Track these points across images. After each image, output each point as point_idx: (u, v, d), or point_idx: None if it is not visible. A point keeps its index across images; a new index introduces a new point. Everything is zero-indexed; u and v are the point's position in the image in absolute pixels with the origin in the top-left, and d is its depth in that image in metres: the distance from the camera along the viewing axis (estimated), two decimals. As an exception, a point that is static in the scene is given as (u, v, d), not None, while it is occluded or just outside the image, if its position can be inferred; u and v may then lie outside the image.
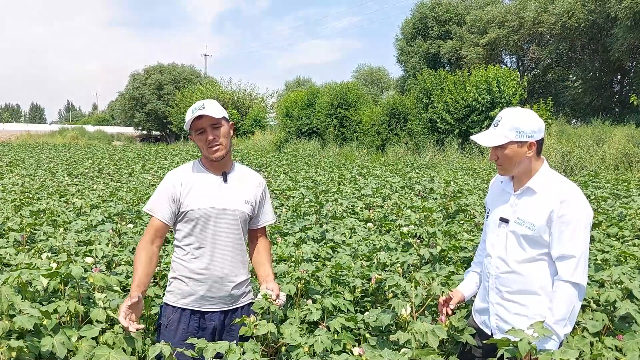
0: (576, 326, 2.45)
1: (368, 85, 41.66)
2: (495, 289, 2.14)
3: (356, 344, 2.30)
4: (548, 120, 16.81)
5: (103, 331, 2.20)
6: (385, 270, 3.25)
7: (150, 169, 14.23)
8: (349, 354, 2.09)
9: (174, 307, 2.25)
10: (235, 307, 2.31)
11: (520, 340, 1.72)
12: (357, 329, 2.51)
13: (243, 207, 2.30)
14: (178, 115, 38.58)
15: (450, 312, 2.23)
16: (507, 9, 26.21)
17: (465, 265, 3.24)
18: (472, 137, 2.21)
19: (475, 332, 2.24)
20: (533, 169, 2.07)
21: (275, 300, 2.21)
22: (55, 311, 2.16)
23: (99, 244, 3.92)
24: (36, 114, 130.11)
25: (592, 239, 3.99)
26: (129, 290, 2.95)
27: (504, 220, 2.12)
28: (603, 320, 2.44)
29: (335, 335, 2.22)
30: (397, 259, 3.22)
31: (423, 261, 3.45)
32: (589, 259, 3.14)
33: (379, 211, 5.86)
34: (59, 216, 5.53)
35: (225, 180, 2.30)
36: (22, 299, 2.13)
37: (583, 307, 2.61)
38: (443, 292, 2.20)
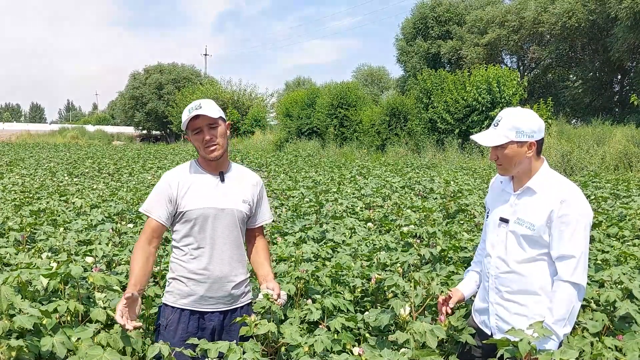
0: (576, 326, 2.45)
1: (368, 85, 41.66)
2: (495, 289, 2.14)
3: (356, 343, 2.30)
4: (548, 120, 16.81)
5: (98, 332, 2.20)
6: (385, 270, 3.25)
7: (150, 169, 14.23)
8: (348, 353, 2.09)
9: (173, 307, 2.25)
10: (234, 307, 2.31)
11: (520, 340, 1.72)
12: (357, 329, 2.51)
13: (241, 207, 2.30)
14: (178, 115, 38.59)
15: (449, 311, 2.23)
16: (507, 9, 26.20)
17: (465, 265, 3.24)
18: (472, 137, 2.21)
19: (475, 332, 2.24)
20: (533, 169, 2.07)
21: (276, 300, 2.21)
22: (55, 311, 2.16)
23: (99, 243, 3.92)
24: (36, 114, 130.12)
25: (592, 239, 3.99)
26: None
27: (504, 220, 2.12)
28: (603, 320, 2.44)
29: (335, 335, 2.22)
30: (397, 259, 3.22)
31: (423, 261, 3.45)
32: (589, 259, 3.14)
33: (379, 211, 5.85)
34: (59, 216, 5.53)
35: (222, 180, 2.30)
36: (22, 298, 2.13)
37: (583, 307, 2.62)
38: (442, 291, 2.20)
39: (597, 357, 2.08)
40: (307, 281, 2.80)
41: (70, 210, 6.20)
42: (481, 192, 7.51)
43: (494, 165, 2.19)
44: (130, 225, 4.86)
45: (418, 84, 21.35)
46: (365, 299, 3.03)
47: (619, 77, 24.58)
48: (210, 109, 2.22)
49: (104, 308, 2.41)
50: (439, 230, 4.03)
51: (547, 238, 1.99)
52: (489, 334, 2.17)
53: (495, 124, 2.07)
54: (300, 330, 2.30)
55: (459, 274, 2.93)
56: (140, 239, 2.26)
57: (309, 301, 2.61)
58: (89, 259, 3.13)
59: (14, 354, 1.86)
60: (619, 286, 2.70)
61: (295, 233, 4.28)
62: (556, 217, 1.95)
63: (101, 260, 3.46)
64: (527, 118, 2.03)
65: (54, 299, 2.39)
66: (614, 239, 4.18)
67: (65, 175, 12.38)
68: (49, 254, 3.49)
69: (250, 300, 2.40)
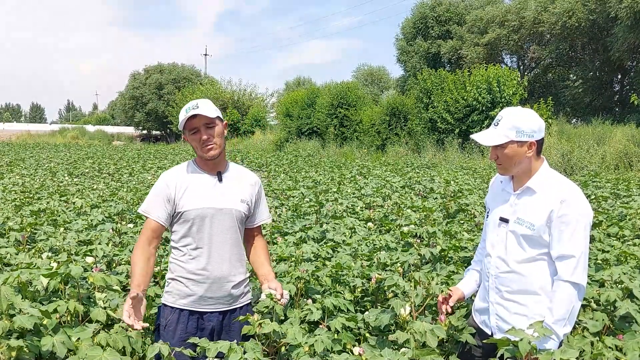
0: (576, 326, 2.45)
1: (368, 85, 41.64)
2: (495, 289, 2.14)
3: (356, 343, 2.30)
4: (548, 120, 16.81)
5: (97, 332, 2.20)
6: (386, 270, 3.25)
7: (150, 169, 14.23)
8: (349, 353, 2.09)
9: (172, 307, 2.25)
10: (234, 307, 2.31)
11: (521, 340, 1.72)
12: (357, 329, 2.51)
13: (239, 206, 2.30)
14: (178, 115, 38.43)
15: (449, 310, 2.22)
16: (507, 9, 26.19)
17: (466, 265, 3.24)
18: (472, 136, 2.21)
19: (475, 331, 2.24)
20: (533, 168, 2.07)
21: (279, 300, 2.21)
22: (55, 311, 2.16)
23: (99, 243, 3.92)
24: (36, 114, 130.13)
25: (592, 239, 3.99)
26: (129, 289, 2.96)
27: (504, 220, 2.12)
28: (603, 320, 2.44)
29: (336, 335, 2.22)
30: (398, 258, 3.22)
31: (423, 261, 3.45)
32: (589, 258, 3.13)
33: (379, 211, 5.85)
34: (59, 216, 5.53)
35: (220, 179, 2.30)
36: (22, 298, 2.13)
37: (583, 307, 2.61)
38: (442, 291, 2.20)
39: (597, 357, 2.08)
40: (307, 281, 2.80)
41: (70, 211, 6.20)
42: (481, 192, 7.51)
43: (494, 164, 2.18)
44: (131, 225, 4.86)
45: (418, 84, 21.34)
46: (366, 298, 3.03)
47: (619, 76, 24.57)
48: (207, 108, 2.21)
49: (104, 308, 2.41)
50: (439, 230, 4.03)
51: (547, 238, 1.99)
52: (489, 333, 2.17)
53: (496, 124, 2.07)
54: (302, 330, 2.30)
55: (459, 273, 2.93)
56: (140, 239, 2.25)
57: (309, 301, 2.61)
58: (89, 259, 3.13)
59: (14, 354, 1.86)
60: (619, 286, 2.70)
61: (295, 233, 4.28)
62: (556, 217, 1.95)
63: (101, 260, 3.46)
64: (527, 118, 2.03)
65: (54, 299, 2.39)
66: (614, 239, 4.18)
67: (66, 175, 12.38)
68: (49, 254, 3.49)
69: (249, 301, 2.40)
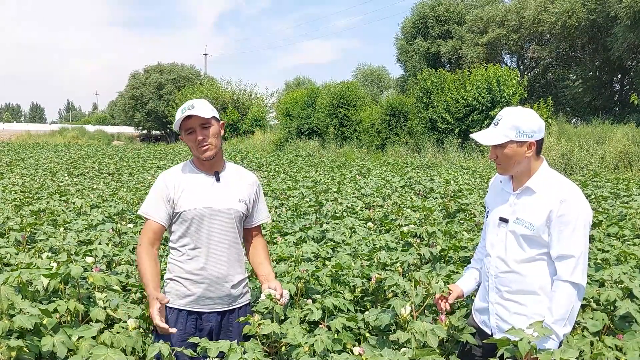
0: (576, 325, 2.45)
1: (368, 85, 41.61)
2: (495, 289, 2.14)
3: (356, 343, 2.30)
4: (548, 120, 16.80)
5: (101, 331, 2.20)
6: (386, 270, 3.25)
7: (150, 169, 14.23)
8: (349, 353, 2.09)
9: (170, 308, 2.24)
10: (232, 307, 2.31)
11: (520, 339, 1.72)
12: (358, 329, 2.51)
13: (237, 206, 2.30)
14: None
15: (448, 307, 2.22)
16: (507, 9, 26.19)
17: (465, 264, 3.23)
18: (472, 135, 2.21)
19: (476, 331, 2.24)
20: (532, 168, 2.07)
21: (279, 300, 2.21)
22: (55, 310, 2.16)
23: (99, 243, 3.92)
24: (36, 114, 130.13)
25: (592, 239, 3.99)
26: (129, 289, 2.96)
27: (504, 220, 2.12)
28: (603, 319, 2.44)
29: (336, 335, 2.22)
30: (397, 258, 3.22)
31: (423, 261, 3.45)
32: (589, 258, 3.13)
33: (379, 211, 5.85)
34: (59, 216, 5.53)
35: (217, 179, 2.30)
36: (22, 298, 2.14)
37: (583, 307, 2.61)
38: (443, 291, 2.20)
39: (597, 357, 2.08)
40: (307, 281, 2.80)
41: (70, 210, 6.20)
42: (481, 192, 7.51)
43: (494, 164, 2.18)
44: (131, 225, 4.86)
45: (418, 84, 21.33)
46: (366, 298, 3.03)
47: (619, 76, 24.57)
48: (202, 109, 2.21)
49: (104, 308, 2.41)
50: (439, 229, 4.03)
51: (546, 238, 1.99)
52: (489, 333, 2.17)
53: (496, 123, 2.07)
54: (302, 330, 2.30)
55: (459, 273, 2.92)
56: (142, 242, 2.24)
57: (309, 301, 2.61)
58: (89, 259, 3.13)
59: (14, 354, 1.86)
60: (619, 285, 2.70)
61: (295, 233, 4.28)
62: (555, 217, 1.95)
63: (101, 260, 3.46)
64: (527, 118, 2.02)
65: (54, 299, 2.39)
66: (614, 239, 4.18)
67: (66, 175, 12.38)
68: (49, 254, 3.49)
69: (248, 301, 2.40)
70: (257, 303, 2.27)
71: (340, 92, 24.08)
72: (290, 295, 2.67)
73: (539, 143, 2.05)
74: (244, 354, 1.91)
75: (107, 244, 3.98)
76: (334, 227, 4.76)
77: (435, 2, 30.74)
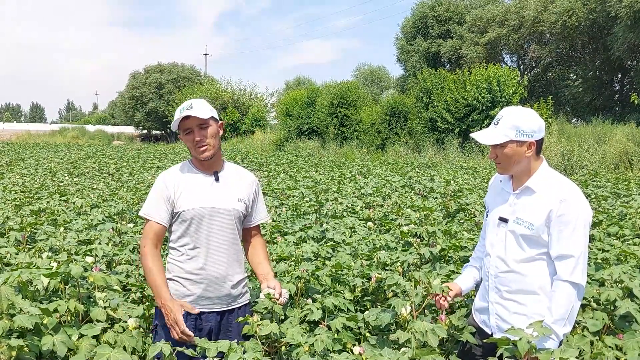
0: (576, 325, 2.45)
1: (368, 85, 41.61)
2: (495, 289, 2.14)
3: (356, 343, 2.30)
4: (548, 119, 16.79)
5: (104, 330, 2.20)
6: (386, 270, 3.25)
7: (150, 169, 14.23)
8: (349, 353, 2.09)
9: None
10: (232, 307, 2.30)
11: (520, 339, 1.72)
12: (358, 328, 2.51)
13: (237, 206, 2.29)
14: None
15: (446, 305, 2.22)
16: (507, 8, 26.19)
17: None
18: (472, 135, 2.20)
19: (476, 331, 2.24)
20: (532, 168, 2.07)
21: (278, 300, 2.21)
22: (56, 310, 2.16)
23: (99, 243, 3.92)
24: (36, 114, 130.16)
25: (592, 238, 3.99)
26: (129, 289, 2.96)
27: (503, 220, 2.12)
28: (603, 319, 2.44)
29: (336, 335, 2.22)
30: (397, 258, 3.22)
31: (423, 260, 3.45)
32: (589, 258, 3.14)
33: (379, 210, 5.86)
34: (59, 215, 5.53)
35: (217, 179, 2.29)
36: (22, 298, 2.14)
37: (583, 306, 2.61)
38: (443, 290, 2.20)
39: (597, 356, 2.08)
40: (307, 280, 2.80)
41: (70, 210, 6.21)
42: (481, 191, 7.51)
43: (494, 164, 2.18)
44: (131, 225, 4.86)
45: (418, 83, 21.33)
46: (366, 298, 3.03)
47: (619, 76, 24.57)
48: (201, 109, 2.20)
49: (104, 308, 2.41)
50: (439, 229, 4.03)
51: (546, 238, 1.99)
52: (489, 333, 2.17)
53: (496, 123, 2.07)
54: (302, 330, 2.30)
55: (459, 273, 2.92)
56: (146, 245, 2.22)
57: (309, 301, 2.61)
58: (89, 259, 3.13)
59: (14, 353, 1.86)
60: (619, 285, 2.70)
61: (295, 232, 4.28)
62: (555, 217, 1.95)
63: (101, 260, 3.47)
64: (527, 117, 2.02)
65: (54, 298, 2.39)
66: (614, 238, 4.18)
67: (66, 175, 12.38)
68: (50, 254, 3.49)
69: (248, 301, 2.39)
70: (257, 303, 2.27)
71: (340, 91, 24.08)
72: (290, 295, 2.67)
73: (539, 143, 2.05)
74: (243, 353, 1.91)
75: (107, 244, 3.98)
76: (334, 227, 4.76)
77: (435, 1, 30.73)
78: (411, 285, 2.30)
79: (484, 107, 17.86)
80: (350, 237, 4.36)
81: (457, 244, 3.48)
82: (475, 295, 2.38)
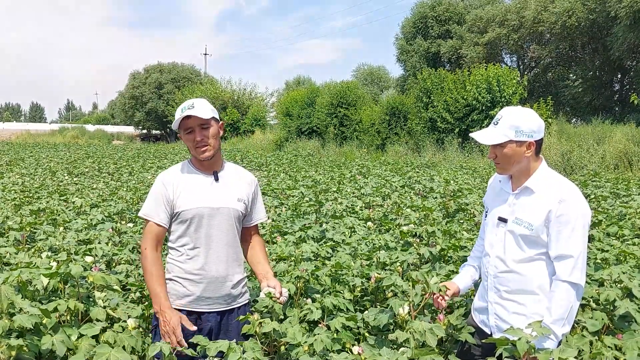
0: (576, 325, 2.45)
1: (368, 85, 41.61)
2: (494, 289, 2.14)
3: (356, 342, 2.30)
4: (548, 120, 16.80)
5: (104, 330, 2.20)
6: (385, 270, 3.25)
7: (150, 168, 14.23)
8: (348, 352, 2.09)
9: None
10: (232, 307, 2.30)
11: (519, 339, 1.72)
12: (357, 328, 2.51)
13: (236, 205, 2.29)
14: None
15: (444, 304, 2.22)
16: (507, 8, 26.20)
17: (465, 264, 3.24)
18: (472, 135, 2.21)
19: (475, 330, 2.25)
20: (531, 168, 2.07)
21: (278, 299, 2.21)
22: (55, 310, 2.16)
23: (99, 243, 3.92)
24: (36, 113, 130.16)
25: (592, 238, 3.99)
26: (128, 289, 2.96)
27: (502, 220, 2.12)
28: (603, 319, 2.44)
29: (335, 334, 2.23)
30: (397, 258, 3.22)
31: (423, 260, 3.45)
32: (589, 258, 3.14)
33: (378, 210, 5.86)
34: (58, 215, 5.53)
35: (216, 179, 2.29)
36: (22, 297, 2.14)
37: (583, 306, 2.62)
38: (440, 290, 2.20)
39: (596, 356, 2.08)
40: (306, 280, 2.80)
41: (70, 210, 6.20)
42: (481, 192, 7.51)
43: (494, 164, 2.18)
44: (130, 224, 4.86)
45: (418, 83, 21.33)
46: (365, 298, 3.03)
47: (619, 76, 24.58)
48: (202, 109, 2.20)
49: (104, 307, 2.41)
50: (439, 229, 4.03)
51: (545, 238, 1.99)
52: (489, 333, 2.17)
53: (495, 123, 2.07)
54: (301, 330, 2.30)
55: (459, 273, 2.93)
56: (147, 248, 2.21)
57: (309, 300, 2.62)
58: (89, 259, 3.13)
59: (13, 353, 1.86)
60: (619, 285, 2.70)
61: (295, 232, 4.29)
62: (554, 217, 1.95)
63: (101, 260, 3.47)
64: (527, 118, 2.03)
65: (53, 298, 2.39)
66: (614, 238, 4.18)
67: (65, 174, 12.38)
68: (49, 254, 3.49)
69: (247, 301, 2.40)
70: (257, 302, 2.27)
71: (340, 91, 24.08)
72: (290, 294, 2.67)
73: (539, 143, 2.05)
74: (243, 353, 1.91)
75: (107, 244, 3.98)
76: (333, 227, 4.76)
77: (435, 1, 30.73)
78: (409, 285, 2.30)
79: (483, 107, 17.87)
80: (349, 237, 4.37)
81: (457, 244, 3.49)
82: (473, 295, 2.38)
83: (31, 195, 8.02)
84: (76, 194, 8.17)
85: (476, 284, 2.39)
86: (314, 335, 2.14)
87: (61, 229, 4.63)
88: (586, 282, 2.13)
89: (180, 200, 2.22)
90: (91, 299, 2.44)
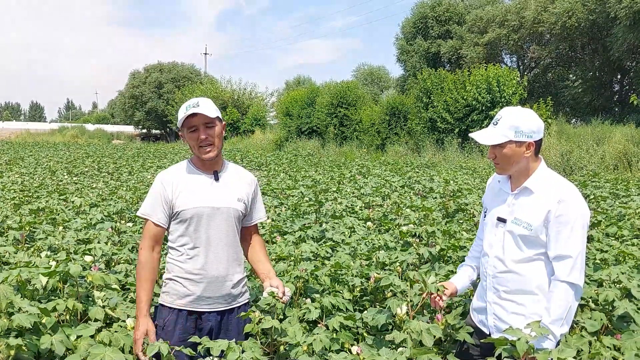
0: (575, 325, 2.46)
1: (368, 85, 41.63)
2: (493, 289, 2.14)
3: (355, 342, 2.30)
4: (548, 120, 16.81)
5: (99, 330, 2.20)
6: (385, 270, 3.25)
7: (149, 168, 14.23)
8: (347, 352, 2.09)
9: (170, 308, 2.23)
10: (232, 307, 2.30)
11: (518, 339, 1.72)
12: (356, 328, 2.51)
13: (236, 205, 2.29)
14: (178, 114, 38.43)
15: (442, 304, 2.22)
16: (507, 9, 26.21)
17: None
18: (471, 135, 2.20)
19: (473, 330, 2.25)
20: (531, 168, 2.07)
21: (281, 298, 2.21)
22: (54, 309, 2.16)
23: (98, 242, 3.92)
24: (36, 113, 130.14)
25: (591, 239, 3.99)
26: (128, 288, 2.96)
27: (501, 220, 2.12)
28: (601, 319, 2.44)
29: (334, 334, 2.23)
30: (397, 258, 3.23)
31: (422, 260, 3.45)
32: (588, 258, 3.14)
33: (378, 210, 5.86)
34: (58, 215, 5.53)
35: (216, 179, 2.29)
36: (21, 297, 2.14)
37: (581, 307, 2.62)
38: (438, 289, 2.20)
39: (595, 356, 2.08)
40: (306, 280, 2.80)
41: (69, 209, 6.20)
42: (480, 192, 7.51)
43: (493, 164, 2.18)
44: (130, 224, 4.86)
45: (418, 84, 21.34)
46: (364, 298, 3.03)
47: (619, 76, 24.60)
48: (207, 107, 2.20)
49: (103, 307, 2.41)
50: (438, 229, 4.03)
51: (544, 238, 1.99)
52: (487, 333, 2.17)
53: (495, 123, 2.07)
54: (301, 329, 2.30)
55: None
56: (143, 248, 2.22)
57: (308, 300, 2.62)
58: (88, 258, 3.13)
59: (12, 352, 1.86)
60: (618, 285, 2.71)
61: (294, 232, 4.29)
62: (553, 217, 1.95)
63: (100, 259, 3.46)
64: (526, 118, 2.03)
65: (53, 297, 2.39)
66: (613, 239, 4.19)
67: (65, 174, 12.38)
68: (48, 253, 3.49)
69: (247, 300, 2.40)
70: (258, 301, 2.27)
71: (340, 91, 24.09)
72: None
73: (538, 143, 2.05)
74: (242, 352, 1.91)
75: (106, 243, 3.98)
76: (333, 227, 4.76)
77: (435, 2, 30.75)
78: (407, 285, 2.30)
79: (483, 108, 17.87)
80: (349, 237, 4.37)
81: (456, 244, 3.49)
82: (472, 295, 2.38)
83: (30, 194, 8.02)
84: (76, 194, 8.17)
85: (474, 284, 2.39)
86: (313, 335, 2.14)
87: (60, 228, 4.62)
88: (585, 282, 2.13)
89: (179, 200, 2.22)
90: (90, 299, 2.44)
